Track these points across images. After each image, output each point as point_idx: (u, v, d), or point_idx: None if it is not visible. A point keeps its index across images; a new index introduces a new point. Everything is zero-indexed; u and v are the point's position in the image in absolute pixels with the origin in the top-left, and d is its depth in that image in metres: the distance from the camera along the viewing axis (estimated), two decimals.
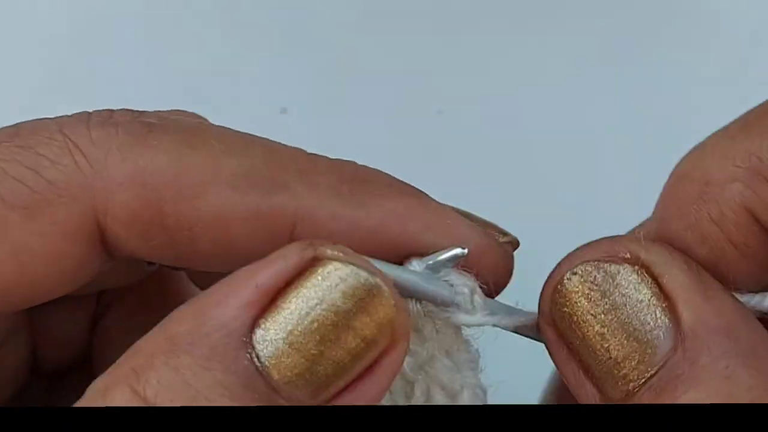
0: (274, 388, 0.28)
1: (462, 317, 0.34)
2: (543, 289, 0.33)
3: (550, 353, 0.34)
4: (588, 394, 0.32)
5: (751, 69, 0.70)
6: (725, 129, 0.35)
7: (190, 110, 0.37)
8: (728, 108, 0.38)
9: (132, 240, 0.31)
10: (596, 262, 0.31)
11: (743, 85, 0.67)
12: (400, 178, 0.36)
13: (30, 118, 0.35)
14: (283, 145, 0.34)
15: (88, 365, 0.40)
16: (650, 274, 0.31)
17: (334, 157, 0.35)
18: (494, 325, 0.34)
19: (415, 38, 0.73)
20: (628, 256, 0.31)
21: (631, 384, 0.30)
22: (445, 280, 0.34)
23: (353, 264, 0.29)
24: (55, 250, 0.31)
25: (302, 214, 0.32)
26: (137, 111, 0.33)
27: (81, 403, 0.28)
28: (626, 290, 0.31)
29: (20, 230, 0.30)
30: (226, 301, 0.28)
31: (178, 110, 0.36)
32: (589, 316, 0.31)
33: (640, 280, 0.31)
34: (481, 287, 0.34)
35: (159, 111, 0.35)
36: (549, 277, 0.33)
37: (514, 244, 0.35)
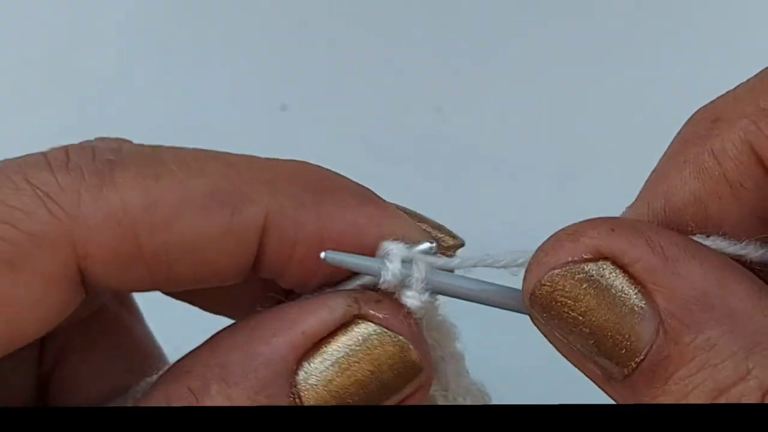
0: None
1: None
2: (523, 289, 0.33)
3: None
4: (593, 373, 0.33)
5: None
6: (744, 82, 0.34)
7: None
8: None
9: (113, 276, 0.33)
10: (563, 269, 0.32)
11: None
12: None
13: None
14: (237, 156, 0.35)
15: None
16: (617, 264, 0.31)
17: (300, 159, 0.36)
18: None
19: (414, 36, 0.73)
20: (590, 256, 0.31)
21: (625, 370, 0.31)
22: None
23: (391, 329, 0.32)
24: (40, 299, 0.31)
25: (269, 225, 0.33)
26: (88, 145, 0.34)
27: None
28: (598, 286, 0.31)
29: (3, 284, 0.31)
30: (274, 340, 0.32)
31: (101, 138, 0.36)
32: (570, 319, 0.32)
33: (609, 273, 0.31)
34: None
35: (96, 141, 0.35)
36: (523, 288, 0.33)
37: (458, 246, 0.37)
